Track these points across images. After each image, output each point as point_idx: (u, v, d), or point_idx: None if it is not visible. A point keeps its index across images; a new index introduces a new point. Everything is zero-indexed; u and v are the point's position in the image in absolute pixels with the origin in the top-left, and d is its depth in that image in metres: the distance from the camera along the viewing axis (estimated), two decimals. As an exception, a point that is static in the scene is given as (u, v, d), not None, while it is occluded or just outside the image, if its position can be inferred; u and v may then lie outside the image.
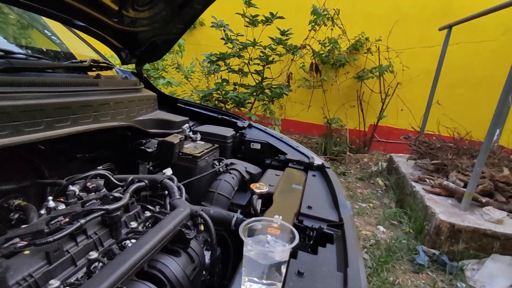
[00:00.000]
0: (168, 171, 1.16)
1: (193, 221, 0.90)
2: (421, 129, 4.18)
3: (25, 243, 0.63)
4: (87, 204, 0.83)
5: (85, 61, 1.51)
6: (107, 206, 0.76)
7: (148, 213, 0.94)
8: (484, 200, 2.64)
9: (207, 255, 0.91)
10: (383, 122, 4.94)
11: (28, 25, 1.82)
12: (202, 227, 0.91)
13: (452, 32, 3.84)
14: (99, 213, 0.75)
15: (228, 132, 1.65)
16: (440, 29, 3.95)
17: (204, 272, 0.88)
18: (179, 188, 1.01)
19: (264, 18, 4.03)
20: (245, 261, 0.57)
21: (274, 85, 4.37)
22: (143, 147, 1.37)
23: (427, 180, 3.14)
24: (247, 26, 4.20)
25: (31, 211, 0.97)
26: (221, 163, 1.36)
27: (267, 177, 1.29)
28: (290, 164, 1.46)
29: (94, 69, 1.56)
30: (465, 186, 2.74)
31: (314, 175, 1.35)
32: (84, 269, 0.66)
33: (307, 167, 1.43)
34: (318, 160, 1.46)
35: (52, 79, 1.07)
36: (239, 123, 1.82)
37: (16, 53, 1.21)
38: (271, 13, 3.97)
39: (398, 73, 4.68)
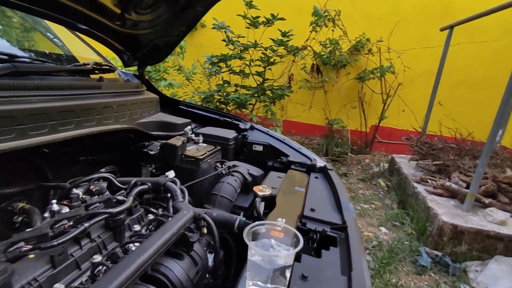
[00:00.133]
0: (171, 174, 1.16)
1: (196, 224, 0.91)
2: (423, 129, 4.17)
3: (30, 247, 0.63)
4: (91, 208, 0.83)
5: (88, 64, 1.52)
6: (110, 210, 0.76)
7: (151, 216, 0.94)
8: (487, 201, 2.63)
9: (210, 258, 0.91)
10: (385, 123, 4.94)
11: (31, 28, 1.83)
12: (205, 230, 0.91)
13: (453, 33, 3.84)
14: (103, 216, 0.75)
15: (230, 134, 1.65)
16: (441, 30, 3.95)
17: (207, 275, 0.88)
18: (182, 190, 1.02)
19: (265, 20, 4.04)
20: (249, 265, 0.57)
21: (275, 86, 4.37)
22: (145, 150, 1.37)
23: (429, 181, 3.13)
24: (248, 28, 4.21)
25: (34, 214, 0.97)
26: (223, 165, 1.36)
27: (270, 180, 1.29)
28: (292, 166, 1.46)
29: (96, 71, 1.57)
30: (467, 187, 2.74)
31: (316, 177, 1.35)
32: (88, 273, 0.67)
33: (310, 169, 1.43)
34: (320, 162, 1.46)
35: (57, 83, 1.08)
36: (241, 125, 1.83)
37: (21, 57, 1.21)
38: (272, 15, 3.98)
39: (399, 73, 4.68)
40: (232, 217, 0.99)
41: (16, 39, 1.68)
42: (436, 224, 2.49)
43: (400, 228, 2.96)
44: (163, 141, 1.31)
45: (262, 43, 4.13)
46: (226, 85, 4.22)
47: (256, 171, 1.44)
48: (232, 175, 1.29)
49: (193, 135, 1.56)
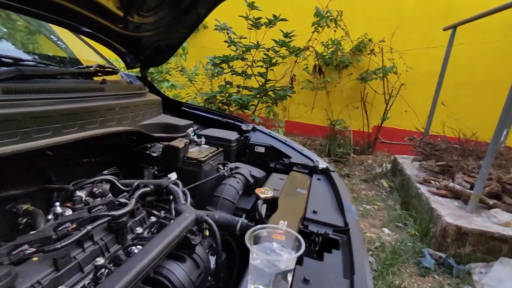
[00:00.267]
0: (173, 176, 1.16)
1: (198, 227, 0.91)
2: (426, 130, 4.15)
3: (34, 249, 0.64)
4: (94, 210, 0.83)
5: (91, 67, 1.53)
6: (113, 212, 0.77)
7: (153, 219, 0.95)
8: (491, 202, 2.61)
9: (212, 260, 0.92)
10: (387, 123, 4.92)
11: (35, 31, 1.85)
12: (207, 232, 0.91)
13: (456, 33, 3.82)
14: (106, 219, 0.75)
15: (232, 135, 1.65)
16: (444, 29, 3.93)
17: (209, 278, 0.88)
18: (184, 193, 1.02)
19: (267, 21, 4.04)
20: (251, 269, 0.57)
21: (278, 87, 4.37)
22: (148, 152, 1.38)
23: (432, 181, 3.12)
24: (250, 29, 4.21)
25: (38, 216, 0.98)
26: (225, 167, 1.37)
27: (272, 181, 1.29)
28: (294, 168, 1.46)
29: (100, 74, 1.58)
30: (471, 188, 2.72)
31: (318, 179, 1.35)
32: (91, 276, 0.67)
33: (312, 170, 1.43)
34: (322, 164, 1.46)
35: (60, 86, 1.08)
36: (243, 127, 1.83)
37: (25, 60, 1.22)
38: (274, 16, 3.99)
39: (402, 74, 4.66)
40: (234, 219, 1.00)
41: (21, 42, 1.70)
42: (440, 225, 2.47)
43: (403, 229, 2.95)
44: (166, 143, 1.31)
45: (264, 44, 4.13)
46: (228, 86, 4.23)
47: (258, 173, 1.44)
48: (234, 177, 1.29)
49: (195, 137, 1.56)
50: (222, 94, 4.23)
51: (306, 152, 1.58)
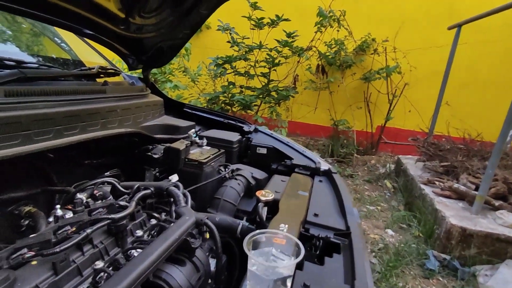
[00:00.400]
0: (174, 177, 1.16)
1: (199, 229, 0.91)
2: (430, 130, 4.11)
3: (33, 253, 0.63)
4: (94, 213, 0.83)
5: (93, 68, 1.53)
6: (112, 215, 0.77)
7: (154, 221, 0.94)
8: (497, 203, 2.58)
9: (213, 263, 0.91)
10: (391, 123, 4.88)
11: (39, 34, 1.86)
12: (207, 235, 0.90)
13: (460, 32, 3.78)
14: (105, 222, 0.75)
15: (234, 137, 1.65)
16: (449, 28, 3.89)
17: (209, 281, 0.88)
18: (185, 195, 1.02)
19: (269, 21, 4.04)
20: (249, 275, 0.57)
21: (281, 87, 4.36)
22: (149, 153, 1.38)
23: (436, 182, 3.09)
24: (253, 29, 4.20)
25: (40, 218, 0.98)
26: (227, 169, 1.36)
27: (273, 183, 1.29)
28: (296, 170, 1.45)
29: (102, 75, 1.58)
30: (476, 189, 2.69)
31: (320, 181, 1.34)
32: (90, 280, 0.67)
33: (314, 172, 1.42)
34: (324, 165, 1.45)
35: (62, 88, 1.09)
36: (245, 128, 1.82)
37: (28, 63, 1.23)
38: (276, 16, 3.97)
39: (406, 73, 4.62)
40: (235, 222, 0.99)
41: (24, 45, 1.71)
42: (444, 226, 2.45)
43: (407, 231, 2.92)
44: (167, 145, 1.31)
45: (267, 44, 4.12)
46: (231, 86, 4.23)
47: (260, 175, 1.43)
48: (236, 179, 1.28)
49: (197, 138, 1.56)
50: (225, 94, 4.23)
51: (308, 153, 1.57)
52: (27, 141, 0.91)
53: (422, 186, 3.13)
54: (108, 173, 1.40)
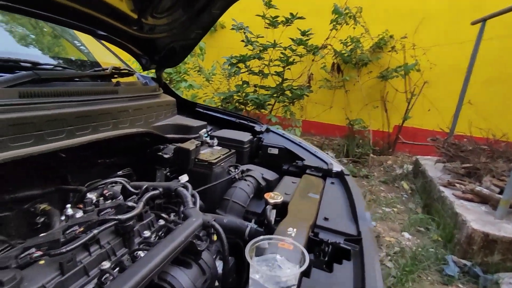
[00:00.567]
0: (184, 178, 1.15)
1: (206, 231, 0.90)
2: (451, 130, 3.95)
3: (40, 253, 0.64)
4: (102, 213, 0.84)
5: (107, 69, 1.56)
6: (119, 216, 0.77)
7: (162, 222, 0.94)
8: (522, 208, 2.44)
9: (220, 265, 0.90)
10: (409, 123, 4.72)
11: (58, 36, 1.91)
12: (215, 237, 0.89)
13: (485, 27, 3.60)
14: (112, 223, 0.75)
15: (245, 137, 1.63)
16: (472, 23, 3.71)
17: (216, 283, 0.86)
18: (193, 195, 1.01)
19: (284, 19, 4.00)
20: (251, 283, 0.55)
21: (295, 86, 4.32)
22: (160, 153, 1.38)
23: (457, 185, 2.96)
24: (267, 28, 4.18)
25: (54, 216, 1.00)
26: (236, 170, 1.35)
27: (283, 185, 1.26)
28: (307, 171, 1.42)
29: (116, 76, 1.61)
30: (501, 193, 2.55)
31: (332, 183, 1.30)
32: (96, 280, 0.67)
33: (326, 174, 1.38)
34: (337, 167, 1.41)
35: (74, 89, 1.10)
36: (257, 128, 1.80)
37: (43, 64, 1.26)
38: (291, 14, 3.93)
39: (425, 71, 4.45)
40: (243, 224, 0.98)
41: (42, 47, 1.76)
42: (465, 231, 2.34)
43: (424, 234, 2.82)
44: (177, 145, 1.31)
45: (281, 43, 4.09)
46: (245, 85, 4.22)
47: (271, 175, 1.41)
48: (245, 180, 1.27)
49: (208, 138, 1.55)
50: (239, 93, 4.24)
51: (320, 154, 1.54)
52: (39, 141, 0.93)
53: (442, 188, 3.01)
54: (121, 172, 1.42)
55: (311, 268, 0.71)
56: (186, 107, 2.02)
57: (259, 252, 0.62)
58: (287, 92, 4.28)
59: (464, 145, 3.54)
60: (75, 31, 1.90)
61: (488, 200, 2.62)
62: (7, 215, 0.99)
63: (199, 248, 0.78)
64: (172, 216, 1.00)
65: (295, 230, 0.67)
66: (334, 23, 4.32)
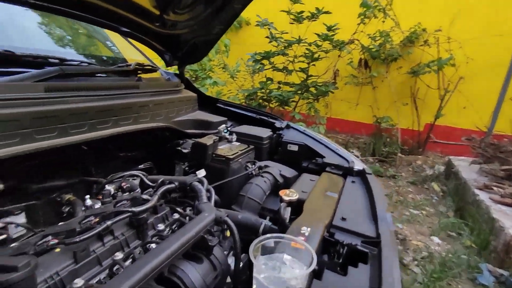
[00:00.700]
0: (202, 172, 1.16)
1: (221, 227, 0.89)
2: (489, 129, 3.67)
3: (57, 241, 0.66)
4: (118, 205, 0.85)
5: (130, 65, 1.60)
6: (133, 208, 0.77)
7: (176, 216, 0.94)
8: None
9: (233, 262, 0.89)
10: (441, 121, 4.44)
11: (91, 36, 2.00)
12: (228, 233, 0.88)
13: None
14: (126, 215, 0.76)
15: (265, 133, 1.61)
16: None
17: (228, 279, 0.85)
18: (208, 190, 1.01)
19: (309, 14, 3.91)
20: (254, 282, 0.53)
21: (320, 83, 4.22)
22: (179, 148, 1.40)
23: (494, 188, 2.75)
24: (292, 23, 4.11)
25: (77, 206, 1.04)
26: (253, 166, 1.33)
27: (301, 182, 1.23)
28: (327, 169, 1.37)
29: (139, 72, 1.64)
30: (544, 198, 2.34)
31: (353, 182, 1.25)
32: (108, 271, 0.68)
33: (346, 172, 1.33)
34: (359, 165, 1.34)
35: (96, 84, 1.14)
36: (277, 124, 1.77)
37: (70, 60, 1.31)
38: (317, 9, 3.84)
39: (461, 66, 4.16)
40: (258, 221, 0.96)
41: (73, 46, 1.84)
42: (503, 238, 2.16)
43: (456, 240, 2.65)
44: (195, 140, 1.32)
45: (306, 39, 4.00)
46: (269, 82, 4.19)
47: (289, 172, 1.38)
48: (262, 176, 1.25)
49: (227, 134, 1.55)
50: (263, 90, 4.21)
51: (342, 151, 1.48)
52: (63, 134, 0.96)
53: (477, 191, 2.81)
54: (142, 166, 1.45)
55: (323, 270, 0.68)
56: (207, 103, 2.03)
57: (267, 250, 0.60)
58: (312, 89, 4.19)
59: (504, 145, 3.27)
60: (106, 31, 1.97)
61: (530, 206, 2.41)
62: (35, 204, 1.04)
63: (210, 244, 0.77)
64: (188, 211, 1.01)
65: (309, 229, 0.64)
66: (362, 17, 4.16)
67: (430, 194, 3.54)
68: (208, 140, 1.26)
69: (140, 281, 0.59)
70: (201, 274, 0.72)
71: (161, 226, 0.87)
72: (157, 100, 1.42)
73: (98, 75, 1.34)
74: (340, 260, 0.77)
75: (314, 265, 0.51)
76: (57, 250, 0.66)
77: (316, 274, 0.64)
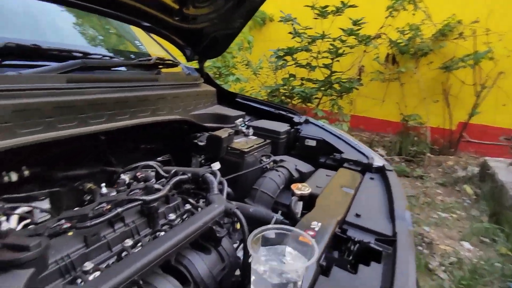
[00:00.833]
0: (216, 165, 1.16)
1: (231, 219, 0.88)
2: (531, 128, 3.39)
3: (69, 224, 0.69)
4: (131, 193, 0.87)
5: (151, 59, 1.63)
6: (144, 197, 0.79)
7: (188, 206, 0.95)
8: None
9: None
10: (477, 119, 4.15)
11: (120, 36, 2.07)
12: (238, 226, 0.87)
13: None
14: (137, 203, 0.77)
15: (282, 127, 1.58)
16: None
17: (237, 272, 0.84)
18: (221, 183, 1.00)
19: (334, 9, 3.80)
20: (252, 273, 0.51)
21: (344, 79, 4.10)
22: (196, 141, 1.41)
23: (535, 192, 2.53)
24: (316, 18, 4.02)
25: (97, 194, 1.08)
26: (268, 160, 1.31)
27: (316, 177, 1.19)
28: (345, 164, 1.32)
29: (160, 66, 1.67)
30: None
31: (372, 178, 1.19)
32: (116, 257, 0.69)
33: (365, 168, 1.27)
34: (379, 161, 1.28)
35: (115, 76, 1.17)
36: (295, 119, 1.74)
37: (92, 54, 1.36)
38: (342, 3, 3.72)
39: (501, 60, 3.86)
40: (269, 215, 0.94)
41: (99, 40, 1.91)
42: (541, 246, 1.99)
43: (489, 246, 2.47)
44: (210, 133, 1.32)
45: (330, 34, 3.90)
46: (291, 78, 4.13)
47: (306, 168, 1.34)
48: (277, 170, 1.22)
49: (243, 128, 1.54)
50: (285, 87, 4.16)
51: (361, 147, 1.42)
52: (82, 124, 1.00)
53: (514, 195, 2.60)
54: (161, 158, 1.48)
55: (332, 266, 0.65)
56: (226, 97, 2.03)
57: (269, 242, 0.58)
58: (335, 85, 4.09)
59: (547, 146, 3.01)
60: (132, 27, 2.03)
61: None
62: (59, 191, 1.09)
63: (218, 235, 0.77)
64: (201, 202, 1.01)
65: (319, 224, 0.61)
66: (391, 9, 3.98)
67: (461, 196, 3.34)
68: (223, 133, 1.26)
69: (144, 267, 0.59)
70: (208, 265, 0.72)
71: (172, 216, 0.87)
72: (175, 93, 1.44)
73: (119, 68, 1.37)
74: (351, 258, 0.73)
75: (314, 259, 0.48)
76: (70, 233, 0.68)
77: (323, 271, 0.62)
